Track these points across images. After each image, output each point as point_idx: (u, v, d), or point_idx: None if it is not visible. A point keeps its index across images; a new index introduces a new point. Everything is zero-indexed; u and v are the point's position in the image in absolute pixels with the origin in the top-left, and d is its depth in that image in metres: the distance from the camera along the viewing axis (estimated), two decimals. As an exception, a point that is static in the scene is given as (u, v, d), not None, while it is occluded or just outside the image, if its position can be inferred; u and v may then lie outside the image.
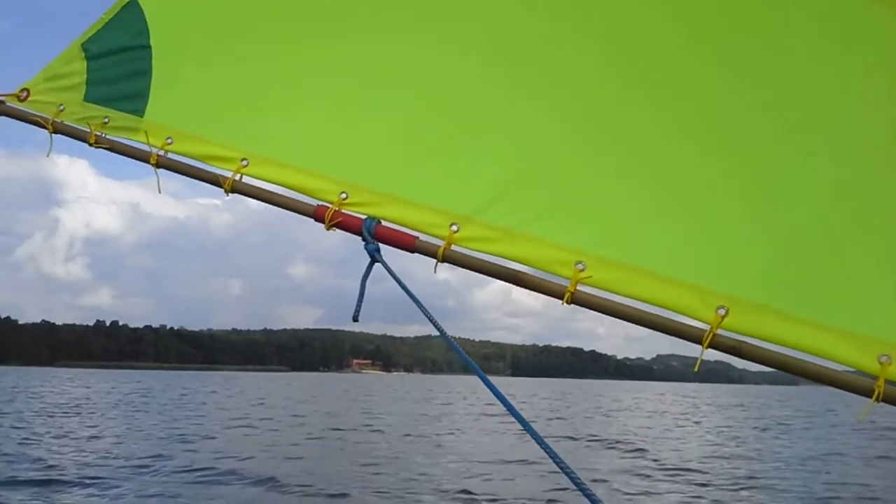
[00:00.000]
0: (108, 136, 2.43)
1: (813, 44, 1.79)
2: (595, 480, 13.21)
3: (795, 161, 1.74)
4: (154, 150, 2.33)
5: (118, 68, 2.53)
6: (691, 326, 1.69)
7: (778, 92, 1.78)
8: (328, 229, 2.08)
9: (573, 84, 1.97)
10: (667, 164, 1.84)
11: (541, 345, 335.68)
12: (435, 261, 1.96)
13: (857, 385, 1.59)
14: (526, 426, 1.80)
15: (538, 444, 1.77)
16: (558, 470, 1.78)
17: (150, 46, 2.50)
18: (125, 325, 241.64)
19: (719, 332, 1.65)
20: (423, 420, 27.46)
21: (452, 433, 22.19)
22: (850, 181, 1.70)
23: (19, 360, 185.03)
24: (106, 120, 2.47)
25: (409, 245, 2.00)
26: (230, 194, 2.23)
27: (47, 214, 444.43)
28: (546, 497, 11.62)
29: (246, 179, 2.22)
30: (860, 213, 1.69)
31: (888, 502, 12.62)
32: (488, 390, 1.94)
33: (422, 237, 2.00)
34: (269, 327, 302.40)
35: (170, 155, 2.33)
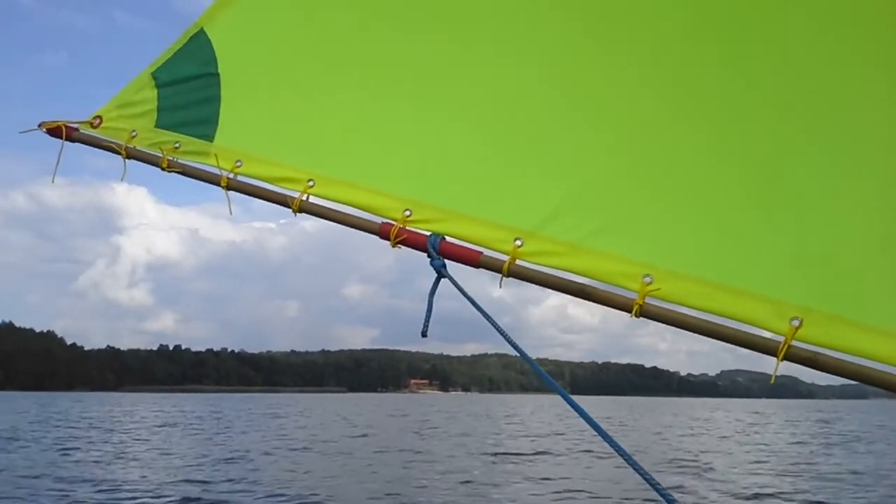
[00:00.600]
0: (179, 161, 2.51)
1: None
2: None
3: (860, 173, 1.72)
4: (224, 173, 2.40)
5: (188, 95, 2.61)
6: (764, 338, 1.68)
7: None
8: (393, 246, 2.11)
9: (637, 97, 1.96)
10: (734, 178, 1.82)
11: (599, 362, 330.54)
12: (500, 276, 1.96)
13: None
14: (613, 444, 1.76)
15: (627, 462, 1.74)
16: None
17: (218, 74, 2.58)
18: (188, 349, 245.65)
19: (794, 343, 1.63)
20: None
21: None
22: None
23: (86, 386, 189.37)
24: (177, 145, 2.54)
25: (473, 260, 2.01)
26: (298, 214, 2.27)
27: (108, 241, 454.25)
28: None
29: (312, 199, 2.27)
30: None
31: None
32: (568, 408, 1.91)
33: (486, 252, 2.01)
34: (326, 348, 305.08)
35: (239, 178, 2.39)
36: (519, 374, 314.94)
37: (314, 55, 2.46)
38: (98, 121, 2.69)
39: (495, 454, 21.91)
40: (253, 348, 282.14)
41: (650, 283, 1.78)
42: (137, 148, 2.58)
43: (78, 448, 22.85)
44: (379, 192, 2.18)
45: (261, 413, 52.66)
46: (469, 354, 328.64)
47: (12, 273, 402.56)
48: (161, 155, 2.52)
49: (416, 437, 29.02)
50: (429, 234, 2.07)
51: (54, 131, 2.66)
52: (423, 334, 2.07)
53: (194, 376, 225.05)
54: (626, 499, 13.72)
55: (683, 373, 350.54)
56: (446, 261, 2.03)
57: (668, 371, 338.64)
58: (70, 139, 2.67)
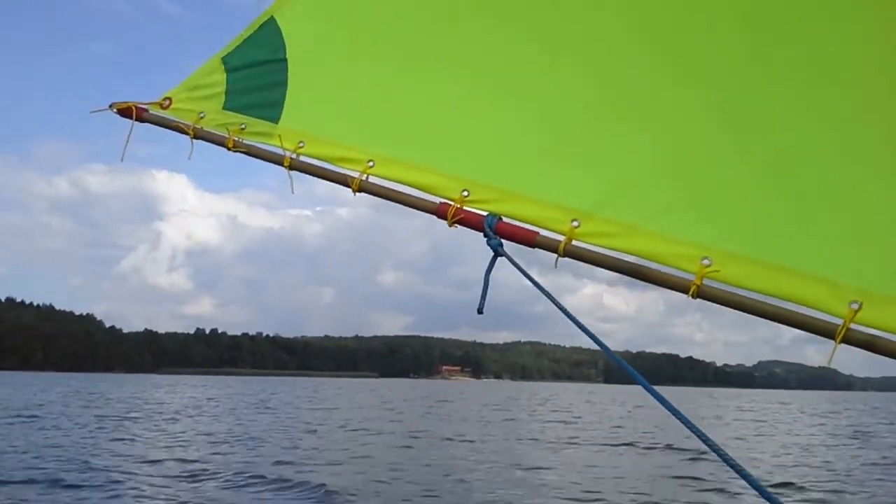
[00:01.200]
0: (245, 141, 2.60)
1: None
2: None
3: None
4: (287, 154, 2.48)
5: (256, 79, 2.72)
6: (822, 321, 1.67)
7: None
8: (450, 226, 2.15)
9: (699, 79, 1.97)
10: (794, 158, 1.82)
11: (634, 351, 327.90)
12: (556, 256, 1.98)
13: None
14: (701, 435, 1.76)
15: (716, 453, 1.71)
16: None
17: (286, 59, 2.68)
18: (224, 333, 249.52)
19: (852, 326, 1.61)
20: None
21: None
22: None
23: (123, 367, 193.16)
24: (243, 126, 2.63)
25: (529, 240, 2.03)
26: (357, 194, 2.34)
27: (149, 227, 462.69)
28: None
29: (372, 179, 2.32)
30: None
31: None
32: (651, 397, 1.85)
33: (542, 233, 2.02)
34: (360, 334, 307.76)
35: (301, 158, 2.47)
36: (552, 362, 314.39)
37: (377, 41, 2.55)
38: (167, 102, 2.80)
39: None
40: (288, 333, 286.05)
41: (709, 266, 1.78)
42: (205, 129, 2.68)
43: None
44: (437, 173, 2.23)
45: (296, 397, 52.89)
46: (502, 342, 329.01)
47: (56, 258, 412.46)
48: (227, 135, 2.61)
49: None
50: (486, 214, 2.10)
51: (125, 111, 2.77)
52: (480, 311, 2.10)
53: (230, 359, 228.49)
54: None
55: (719, 363, 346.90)
56: (504, 241, 2.05)
57: (703, 361, 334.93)
58: (140, 119, 2.76)
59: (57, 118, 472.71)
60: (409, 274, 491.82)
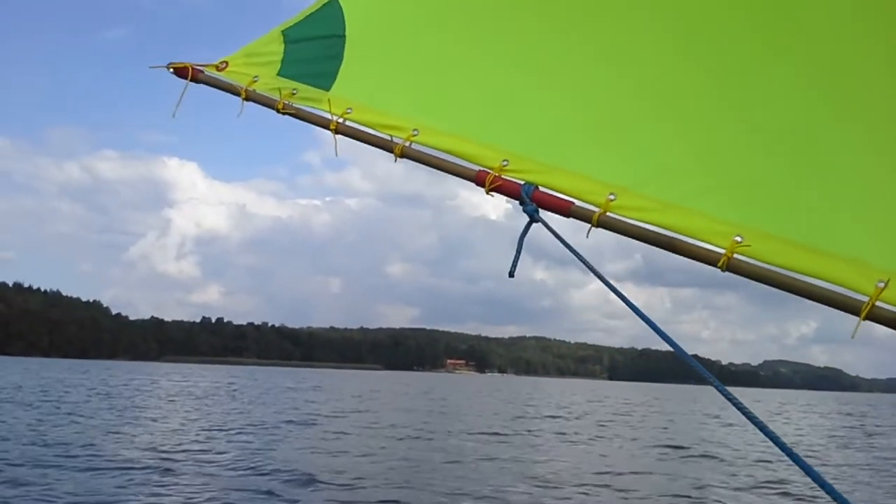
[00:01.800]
0: (293, 104, 2.71)
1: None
2: None
3: None
4: (334, 118, 2.59)
5: (313, 51, 2.86)
6: (849, 297, 1.70)
7: None
8: (487, 193, 2.22)
9: (738, 74, 2.03)
10: (824, 146, 1.87)
11: (639, 348, 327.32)
12: (589, 226, 2.04)
13: None
14: (772, 436, 1.76)
15: (786, 454, 1.71)
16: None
17: (345, 36, 2.82)
18: (229, 322, 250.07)
19: (878, 304, 1.65)
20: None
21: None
22: None
23: (128, 355, 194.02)
24: (294, 91, 2.75)
25: (564, 209, 2.09)
26: (399, 159, 2.43)
27: (159, 214, 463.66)
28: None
29: (414, 146, 2.41)
30: None
31: None
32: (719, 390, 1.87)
33: (577, 203, 2.08)
34: (365, 326, 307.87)
35: (348, 122, 2.57)
36: (556, 357, 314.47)
37: (431, 19, 2.68)
38: (224, 65, 2.93)
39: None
40: (294, 323, 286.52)
41: (741, 242, 1.82)
42: (257, 91, 2.79)
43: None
44: (479, 143, 2.31)
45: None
46: (507, 336, 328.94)
47: (65, 243, 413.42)
48: (278, 98, 2.73)
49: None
50: (523, 182, 2.17)
51: (181, 71, 2.87)
52: (511, 275, 2.18)
53: (235, 349, 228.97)
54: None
55: (725, 362, 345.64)
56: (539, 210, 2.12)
57: (709, 359, 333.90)
58: (195, 80, 2.87)
59: (70, 104, 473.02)
60: (417, 266, 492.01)
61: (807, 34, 1.96)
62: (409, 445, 18.10)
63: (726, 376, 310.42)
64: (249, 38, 3.05)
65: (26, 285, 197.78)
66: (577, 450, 19.05)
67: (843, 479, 15.76)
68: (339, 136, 2.57)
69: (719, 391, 1.86)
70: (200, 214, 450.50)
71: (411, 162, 2.43)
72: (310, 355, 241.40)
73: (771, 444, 1.73)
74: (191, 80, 2.86)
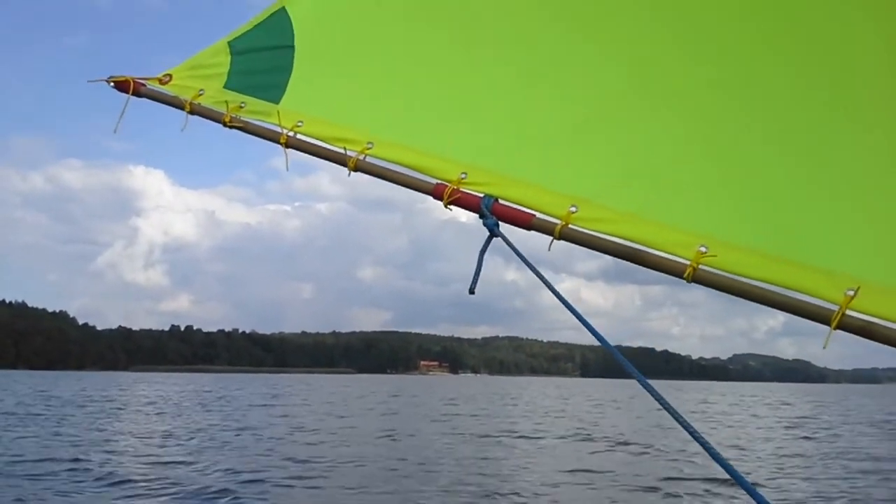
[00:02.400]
0: (241, 118, 2.62)
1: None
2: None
3: None
4: (284, 131, 2.51)
5: (261, 63, 2.78)
6: (818, 306, 1.68)
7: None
8: (446, 206, 2.17)
9: (699, 71, 2.00)
10: (792, 151, 1.84)
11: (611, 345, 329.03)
12: (551, 238, 2.00)
13: None
14: (690, 430, 1.75)
15: (703, 447, 1.70)
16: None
17: (293, 46, 2.74)
18: (199, 330, 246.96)
19: (848, 312, 1.62)
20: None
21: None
22: None
23: (97, 365, 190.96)
24: (242, 104, 2.67)
25: (525, 222, 2.05)
26: (353, 173, 2.36)
27: (126, 223, 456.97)
28: None
29: (369, 159, 2.34)
30: None
31: None
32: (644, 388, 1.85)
33: (539, 215, 2.04)
34: (337, 330, 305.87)
35: (299, 136, 2.49)
36: (529, 356, 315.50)
37: (382, 29, 2.61)
38: (167, 78, 2.83)
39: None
40: (266, 329, 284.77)
41: (705, 253, 1.79)
42: (202, 105, 2.70)
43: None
44: (436, 156, 2.25)
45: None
46: (480, 337, 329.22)
47: (30, 254, 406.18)
48: (225, 112, 2.64)
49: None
50: (482, 195, 2.12)
51: (121, 85, 2.76)
52: (471, 291, 2.12)
53: (205, 356, 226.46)
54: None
55: (695, 356, 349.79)
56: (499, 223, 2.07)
57: (679, 355, 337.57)
58: (137, 94, 2.77)
59: (32, 113, 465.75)
60: (388, 269, 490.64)
61: (786, 38, 1.91)
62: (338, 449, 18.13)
63: (697, 371, 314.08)
64: (211, 42, 2.95)
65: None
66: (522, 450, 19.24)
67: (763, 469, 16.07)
68: (290, 150, 2.50)
69: (642, 384, 1.83)
70: (168, 222, 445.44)
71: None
72: (282, 361, 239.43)
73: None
74: (132, 94, 2.76)
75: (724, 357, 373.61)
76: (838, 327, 1.63)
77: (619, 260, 1.93)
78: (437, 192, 2.19)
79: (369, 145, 2.35)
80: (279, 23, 2.81)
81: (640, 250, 1.89)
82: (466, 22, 2.42)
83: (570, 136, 2.12)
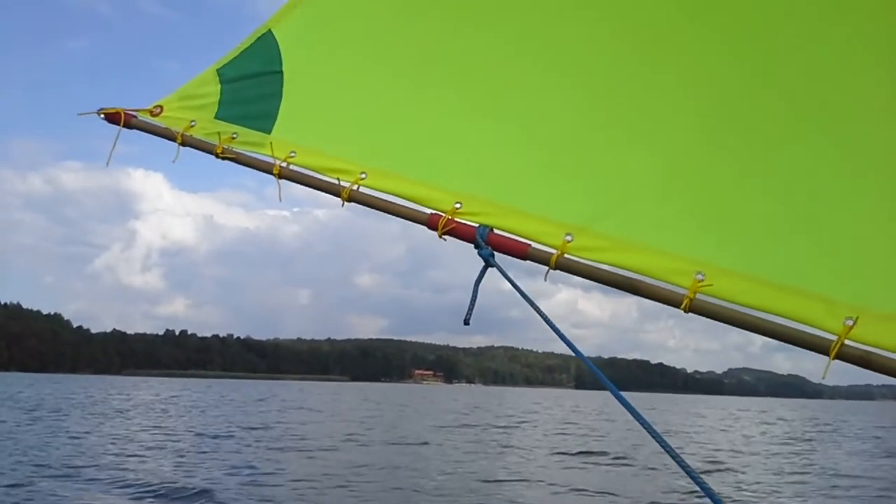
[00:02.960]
0: (234, 149, 2.60)
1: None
2: None
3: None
4: (277, 162, 2.48)
5: (250, 91, 2.74)
6: (817, 336, 1.66)
7: None
8: (441, 236, 2.16)
9: (694, 95, 1.99)
10: (791, 176, 1.83)
11: (606, 357, 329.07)
12: (547, 269, 1.99)
13: None
14: (659, 439, 1.79)
15: (670, 455, 1.75)
16: None
17: (282, 72, 2.70)
18: (193, 335, 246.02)
19: (847, 342, 1.61)
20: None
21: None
22: None
23: (90, 369, 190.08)
24: (234, 135, 2.64)
25: (521, 252, 2.04)
26: (346, 203, 2.35)
27: (125, 226, 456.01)
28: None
29: (363, 189, 2.33)
30: None
31: None
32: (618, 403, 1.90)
33: (534, 245, 2.03)
34: (333, 337, 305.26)
35: (292, 167, 2.47)
36: (524, 367, 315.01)
37: (373, 55, 2.57)
38: (159, 110, 2.80)
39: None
40: (261, 335, 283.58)
41: (702, 281, 1.78)
42: (194, 136, 2.68)
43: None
44: (430, 186, 2.24)
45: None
46: (476, 346, 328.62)
47: (27, 255, 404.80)
48: (217, 143, 2.62)
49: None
50: (477, 225, 2.11)
51: (112, 117, 2.75)
52: (466, 322, 2.10)
53: (199, 361, 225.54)
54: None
55: (690, 370, 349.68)
56: (494, 253, 2.06)
57: (674, 368, 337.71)
58: (128, 126, 2.75)
59: (33, 116, 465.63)
60: (386, 277, 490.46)
61: (777, 60, 1.90)
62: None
63: (691, 384, 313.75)
64: (214, 50, 3.05)
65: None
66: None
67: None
68: (282, 181, 2.48)
69: (615, 397, 1.88)
70: (167, 226, 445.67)
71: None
72: (276, 367, 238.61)
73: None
74: (123, 126, 2.75)
75: (719, 371, 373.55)
76: (837, 357, 1.61)
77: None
78: (431, 223, 2.18)
79: (363, 175, 2.34)
80: (266, 47, 2.77)
81: (636, 280, 1.88)
82: (459, 45, 2.42)
83: (565, 161, 2.12)
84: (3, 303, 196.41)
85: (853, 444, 30.14)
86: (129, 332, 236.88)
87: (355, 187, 2.33)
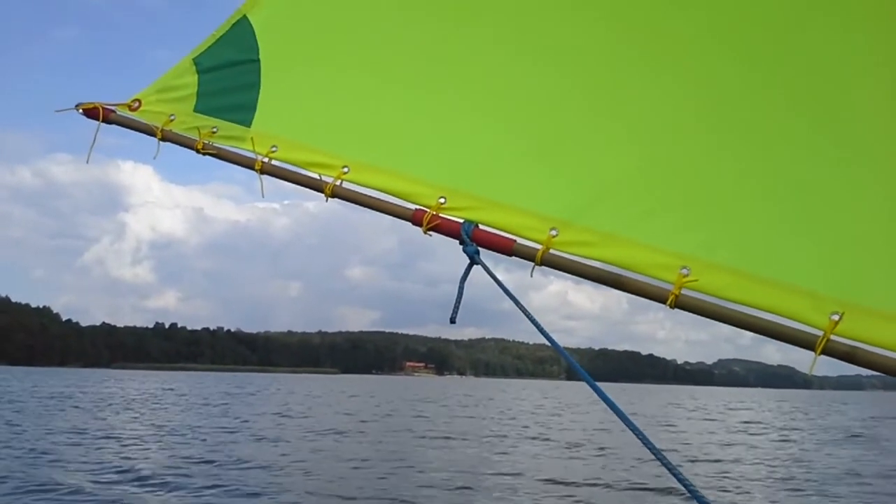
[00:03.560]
0: (215, 144, 2.55)
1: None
2: None
3: (882, 167, 1.71)
4: (259, 158, 2.44)
5: (228, 81, 2.66)
6: (802, 332, 1.66)
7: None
8: (425, 232, 2.13)
9: (679, 86, 1.96)
10: (777, 168, 1.81)
11: (596, 348, 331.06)
12: (532, 264, 1.97)
13: None
14: (634, 429, 1.78)
15: (646, 445, 1.74)
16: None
17: (259, 60, 2.63)
18: (183, 328, 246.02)
19: (833, 337, 1.61)
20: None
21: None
22: None
23: (79, 362, 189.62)
24: (214, 129, 2.58)
25: (506, 248, 2.02)
26: (330, 199, 2.32)
27: (114, 219, 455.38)
28: None
29: (346, 185, 2.30)
30: None
31: None
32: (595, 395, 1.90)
33: (520, 241, 2.01)
34: (324, 329, 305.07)
35: (273, 162, 2.44)
36: (515, 358, 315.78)
37: (352, 44, 2.50)
38: (137, 104, 2.74)
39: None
40: (252, 328, 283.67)
41: (687, 275, 1.77)
42: (174, 131, 2.62)
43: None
44: (414, 180, 2.20)
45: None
46: (467, 338, 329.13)
47: (17, 248, 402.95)
48: (197, 138, 2.56)
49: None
50: (462, 221, 2.08)
51: (90, 112, 2.69)
52: (452, 320, 2.08)
53: (188, 354, 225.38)
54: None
55: (680, 361, 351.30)
56: (480, 248, 2.04)
57: (664, 359, 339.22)
58: (106, 121, 2.69)
59: (21, 108, 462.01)
60: (377, 269, 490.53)
61: (764, 51, 1.87)
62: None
63: (682, 375, 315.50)
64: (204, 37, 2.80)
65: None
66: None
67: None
68: (264, 176, 2.42)
69: (591, 387, 1.87)
70: (156, 219, 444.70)
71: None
72: (266, 360, 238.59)
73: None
74: (102, 121, 2.68)
75: (709, 362, 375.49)
76: (823, 353, 1.61)
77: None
78: (416, 219, 2.14)
79: (345, 169, 2.29)
80: (241, 34, 2.67)
81: (621, 276, 1.86)
82: (440, 35, 2.35)
83: (549, 151, 2.09)
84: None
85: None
86: (118, 325, 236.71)
87: (338, 182, 2.29)
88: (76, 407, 31.37)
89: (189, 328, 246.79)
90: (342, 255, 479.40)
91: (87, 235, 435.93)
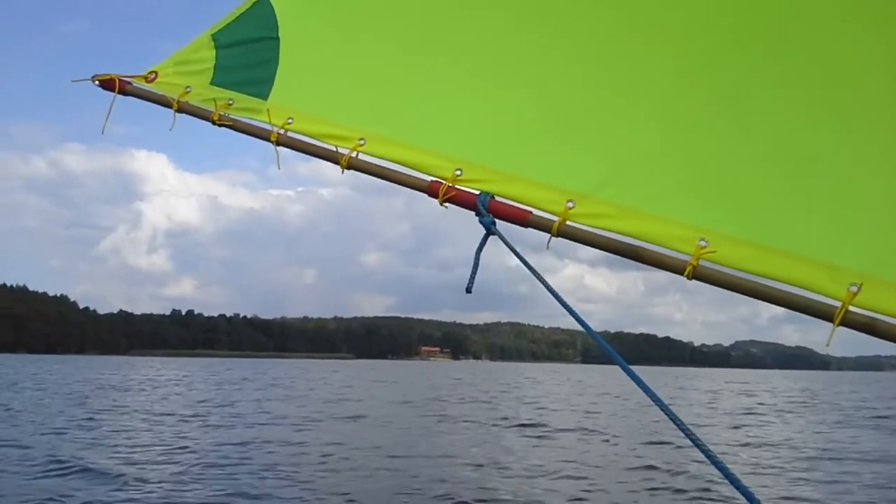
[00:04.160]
0: (231, 116, 2.58)
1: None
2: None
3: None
4: (275, 129, 2.46)
5: (246, 56, 2.71)
6: (821, 303, 1.66)
7: None
8: (441, 204, 2.14)
9: (700, 61, 1.97)
10: (795, 141, 1.82)
11: (612, 331, 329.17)
12: (548, 236, 1.98)
13: None
14: (672, 416, 1.76)
15: (684, 433, 1.74)
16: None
17: (278, 38, 2.67)
18: (200, 315, 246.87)
19: (851, 308, 1.61)
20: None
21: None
22: None
23: (97, 349, 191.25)
24: (230, 102, 2.61)
25: (522, 220, 2.03)
26: (346, 171, 2.33)
27: (129, 208, 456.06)
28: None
29: (361, 157, 2.31)
30: None
31: None
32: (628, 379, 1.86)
33: (535, 212, 2.02)
34: (339, 315, 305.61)
35: (289, 133, 2.45)
36: (530, 342, 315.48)
37: (370, 20, 2.54)
38: (153, 75, 2.76)
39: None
40: (268, 314, 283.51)
41: (705, 247, 1.77)
42: (189, 102, 2.64)
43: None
44: (430, 152, 2.21)
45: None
46: (482, 323, 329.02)
47: (33, 238, 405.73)
48: (213, 109, 2.58)
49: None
50: (478, 192, 2.09)
51: (107, 83, 2.71)
52: (468, 290, 2.11)
53: (206, 341, 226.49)
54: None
55: (697, 343, 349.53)
56: (496, 220, 2.04)
57: (681, 341, 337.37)
58: (123, 92, 2.71)
59: (33, 98, 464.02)
60: (391, 255, 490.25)
61: (785, 29, 1.88)
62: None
63: (698, 358, 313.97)
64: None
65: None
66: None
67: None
68: (280, 148, 2.42)
69: (625, 371, 1.84)
70: (171, 207, 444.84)
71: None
72: (283, 346, 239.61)
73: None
74: (118, 93, 2.68)
75: (726, 344, 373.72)
76: (841, 324, 1.61)
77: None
78: (431, 190, 2.15)
79: (361, 142, 2.30)
80: (262, 12, 2.71)
81: (638, 247, 1.86)
82: (458, 9, 2.37)
83: (567, 126, 2.09)
84: (9, 285, 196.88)
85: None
86: (135, 312, 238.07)
87: (354, 154, 2.29)
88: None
89: (206, 315, 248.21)
90: (357, 242, 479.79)
91: (101, 225, 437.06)
